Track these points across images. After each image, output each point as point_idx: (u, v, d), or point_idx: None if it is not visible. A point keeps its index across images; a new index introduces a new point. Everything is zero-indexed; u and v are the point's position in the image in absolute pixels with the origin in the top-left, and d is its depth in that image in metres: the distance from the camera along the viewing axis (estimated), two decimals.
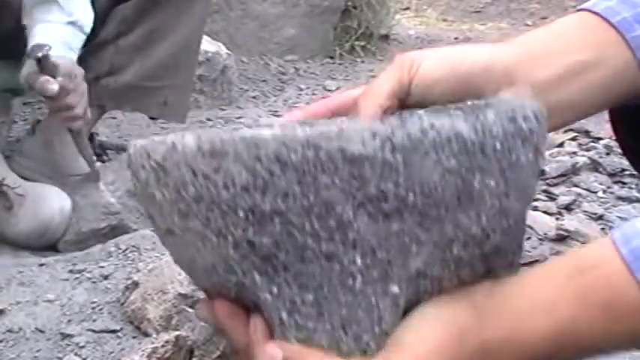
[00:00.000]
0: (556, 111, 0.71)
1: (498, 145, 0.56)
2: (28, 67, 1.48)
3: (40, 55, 1.43)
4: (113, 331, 1.16)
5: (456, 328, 0.58)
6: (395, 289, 0.56)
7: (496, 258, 0.60)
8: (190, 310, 1.09)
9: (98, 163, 1.69)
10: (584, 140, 2.03)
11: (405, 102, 0.67)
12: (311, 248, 0.55)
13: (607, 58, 0.71)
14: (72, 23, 1.57)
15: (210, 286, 0.62)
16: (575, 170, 1.80)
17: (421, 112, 0.65)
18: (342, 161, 0.53)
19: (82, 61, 1.76)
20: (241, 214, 0.55)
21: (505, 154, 0.57)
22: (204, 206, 0.56)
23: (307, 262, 0.55)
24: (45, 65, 1.44)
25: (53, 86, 1.44)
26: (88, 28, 1.60)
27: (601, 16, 0.72)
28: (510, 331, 0.58)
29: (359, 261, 0.55)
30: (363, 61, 3.06)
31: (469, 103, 0.66)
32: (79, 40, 1.59)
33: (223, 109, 2.37)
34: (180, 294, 1.11)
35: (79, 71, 1.54)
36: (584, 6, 0.75)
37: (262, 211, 0.54)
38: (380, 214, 0.55)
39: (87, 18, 1.60)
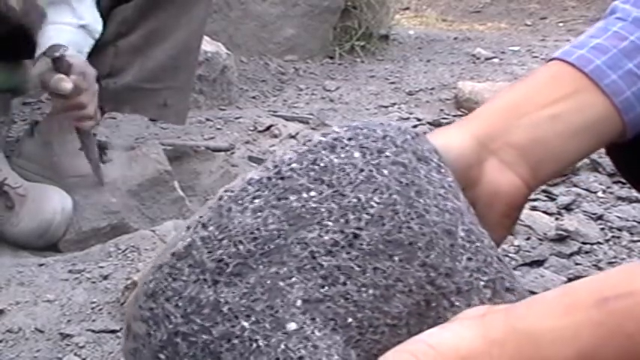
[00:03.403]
0: (545, 165, 0.74)
1: (295, 165, 0.63)
2: (41, 65, 1.49)
3: (57, 54, 1.45)
4: (113, 331, 1.15)
5: (468, 352, 0.55)
6: (292, 325, 0.58)
7: (414, 253, 0.61)
8: None
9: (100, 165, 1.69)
10: None
11: None
12: (210, 340, 0.59)
13: (583, 106, 0.73)
14: (83, 27, 1.59)
15: None
16: (574, 170, 1.79)
17: None
18: (178, 261, 0.61)
19: None
20: (162, 356, 0.61)
21: (309, 167, 0.63)
22: None
23: (218, 354, 0.59)
24: (60, 65, 1.47)
25: (67, 84, 1.46)
26: (97, 34, 1.62)
27: (574, 66, 0.74)
28: None
29: (246, 325, 0.59)
30: (362, 61, 3.06)
31: None
32: (88, 44, 1.61)
33: (223, 109, 2.37)
34: None
35: (92, 72, 1.55)
36: (557, 55, 0.76)
37: (167, 341, 0.60)
38: (232, 277, 0.60)
39: (97, 24, 1.63)
